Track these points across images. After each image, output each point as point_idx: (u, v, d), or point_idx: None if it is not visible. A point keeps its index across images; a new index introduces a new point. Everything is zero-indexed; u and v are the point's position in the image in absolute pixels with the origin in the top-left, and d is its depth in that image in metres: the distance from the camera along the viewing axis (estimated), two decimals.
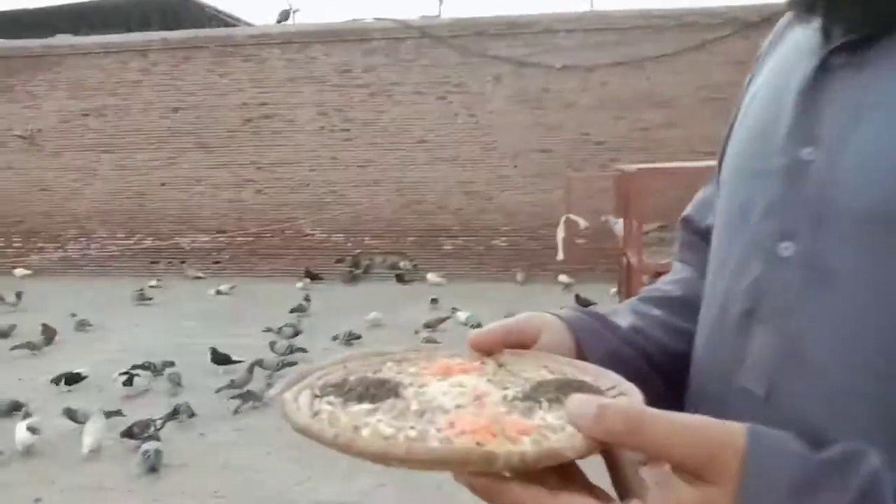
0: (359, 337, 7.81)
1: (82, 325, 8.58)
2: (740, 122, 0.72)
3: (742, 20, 10.53)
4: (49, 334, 7.89)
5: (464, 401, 0.55)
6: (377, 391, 0.57)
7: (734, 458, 0.45)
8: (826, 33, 0.61)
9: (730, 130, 0.75)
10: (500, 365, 0.64)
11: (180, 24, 13.60)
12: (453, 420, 0.51)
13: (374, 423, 0.51)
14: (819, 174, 0.59)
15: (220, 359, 6.80)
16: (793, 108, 0.62)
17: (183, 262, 12.41)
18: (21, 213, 12.96)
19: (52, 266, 12.55)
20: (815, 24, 0.62)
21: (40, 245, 12.99)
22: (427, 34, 11.39)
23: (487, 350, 0.66)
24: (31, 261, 12.65)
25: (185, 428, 5.51)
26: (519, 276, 10.93)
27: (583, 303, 8.80)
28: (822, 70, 0.61)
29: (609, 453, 0.51)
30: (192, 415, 5.67)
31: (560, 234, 5.58)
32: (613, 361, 0.66)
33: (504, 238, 11.44)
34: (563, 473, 0.49)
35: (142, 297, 10.15)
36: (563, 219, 5.67)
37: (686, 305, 0.76)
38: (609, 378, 0.60)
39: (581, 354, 0.67)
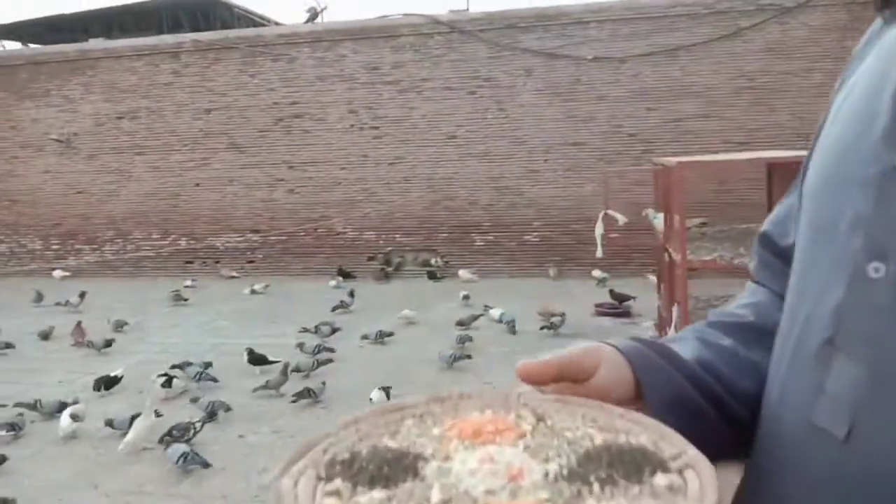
0: (391, 334, 7.78)
1: (119, 327, 8.69)
2: (828, 128, 0.66)
3: (778, 6, 10.27)
4: (79, 336, 8.02)
5: (496, 483, 0.47)
6: (392, 470, 0.48)
7: None
8: None
9: (816, 137, 0.68)
10: (540, 419, 0.56)
11: (210, 26, 13.72)
12: None
13: None
14: None
15: (257, 359, 6.83)
16: (889, 112, 0.56)
17: (217, 262, 12.53)
18: (59, 216, 13.19)
19: (89, 268, 12.75)
20: None
21: (77, 247, 13.21)
22: (456, 29, 11.31)
23: (537, 383, 0.60)
24: (69, 263, 12.87)
25: (223, 429, 5.53)
26: (551, 272, 10.83)
27: (618, 297, 8.68)
28: None
29: None
30: (228, 409, 5.72)
31: (598, 230, 5.48)
32: (676, 406, 0.60)
33: (536, 233, 11.34)
34: None
35: (178, 298, 10.26)
36: (601, 215, 5.57)
37: (760, 334, 0.70)
38: (671, 442, 0.52)
39: (639, 393, 0.61)
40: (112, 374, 6.45)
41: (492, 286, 10.14)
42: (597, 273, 10.12)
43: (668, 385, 0.61)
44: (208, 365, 6.85)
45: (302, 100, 12.02)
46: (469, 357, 6.84)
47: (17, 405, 5.78)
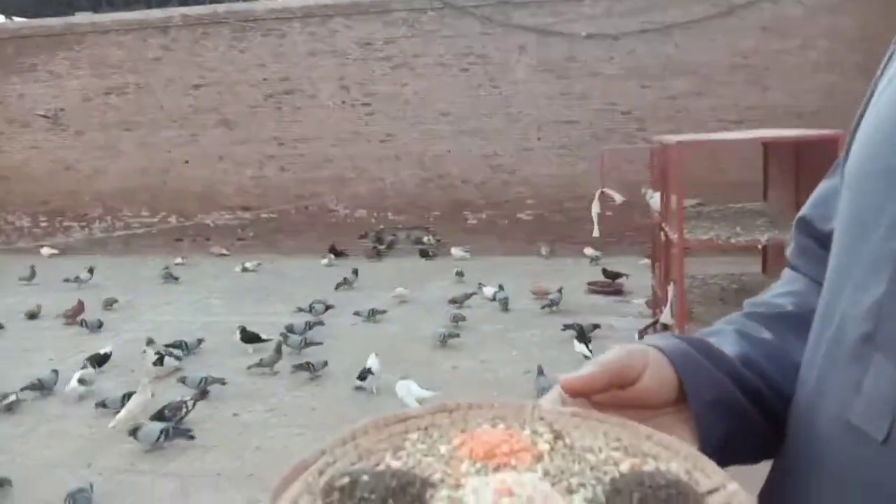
0: (384, 312, 7.77)
1: (109, 305, 8.63)
2: (870, 115, 0.62)
3: None
4: (73, 314, 7.96)
5: None
6: (398, 501, 0.43)
7: None
8: None
9: (857, 122, 0.64)
10: (558, 437, 0.52)
11: (199, 0, 13.48)
12: None
13: None
14: None
15: (250, 338, 6.81)
16: None
17: (208, 240, 12.44)
18: (46, 193, 13.04)
19: (78, 245, 12.65)
20: None
21: (66, 224, 13.09)
22: (449, 4, 11.17)
23: (583, 396, 0.56)
24: (58, 240, 12.75)
25: (216, 408, 5.52)
26: (544, 250, 10.82)
27: (610, 275, 8.70)
28: None
29: None
30: (223, 383, 5.73)
31: (595, 209, 5.44)
32: (719, 407, 0.58)
33: (529, 211, 11.31)
34: None
35: (168, 276, 10.19)
36: (597, 193, 5.53)
37: (800, 325, 0.66)
38: (706, 472, 0.47)
39: (681, 395, 0.58)
40: (102, 352, 6.41)
41: (484, 264, 10.13)
42: (589, 251, 10.13)
43: (711, 386, 0.59)
44: (201, 341, 6.84)
45: (293, 76, 11.88)
46: (459, 336, 6.84)
47: (23, 390, 5.72)
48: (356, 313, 7.73)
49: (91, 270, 10.11)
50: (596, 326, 6.70)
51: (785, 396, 0.63)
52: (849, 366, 0.53)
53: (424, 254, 11.12)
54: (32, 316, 8.29)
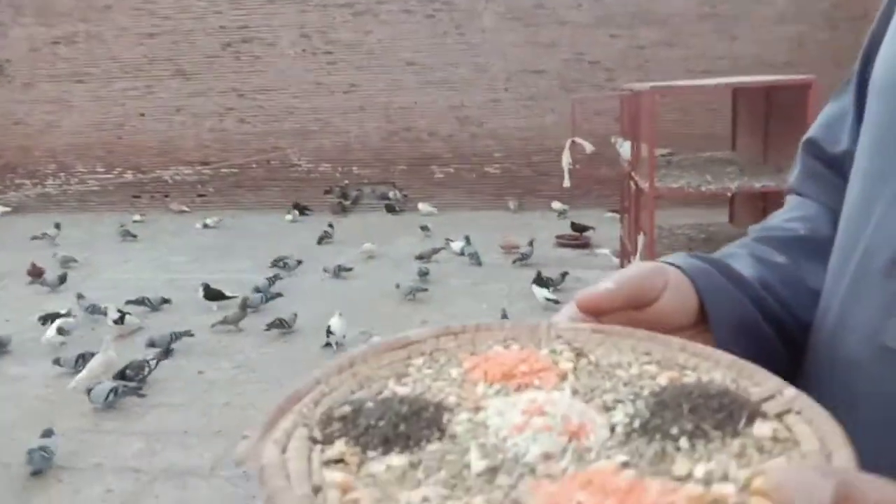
0: (350, 269, 7.65)
1: (67, 263, 8.35)
2: None
3: None
4: (36, 273, 7.68)
5: (553, 443, 0.36)
6: (411, 427, 0.37)
7: None
8: None
9: (876, 34, 0.61)
10: (580, 355, 0.46)
11: None
12: (556, 498, 0.31)
13: None
14: None
15: (213, 295, 6.64)
16: None
17: (166, 196, 12.11)
18: None
19: (32, 203, 12.21)
20: None
21: (18, 181, 12.59)
22: None
23: (601, 314, 0.50)
24: (10, 198, 12.28)
25: (182, 366, 5.39)
26: (511, 204, 10.76)
27: (578, 229, 8.70)
28: None
29: None
30: (191, 334, 5.63)
31: (566, 159, 5.36)
32: (742, 333, 0.55)
33: (497, 165, 11.19)
34: None
35: (126, 233, 9.90)
36: (567, 143, 5.44)
37: (815, 248, 0.64)
38: (755, 379, 0.42)
39: (702, 318, 0.54)
40: (61, 312, 6.20)
41: (452, 219, 10.04)
42: (557, 205, 10.10)
43: (734, 310, 0.55)
44: (166, 301, 6.67)
45: (251, 23, 11.45)
46: (426, 290, 6.77)
47: None
48: (325, 270, 7.61)
49: (58, 226, 9.85)
50: (564, 274, 6.72)
51: (802, 323, 0.60)
52: (880, 290, 0.51)
53: (391, 209, 10.97)
54: None
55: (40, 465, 3.88)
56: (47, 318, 6.04)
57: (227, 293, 6.63)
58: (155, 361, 5.16)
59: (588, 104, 9.10)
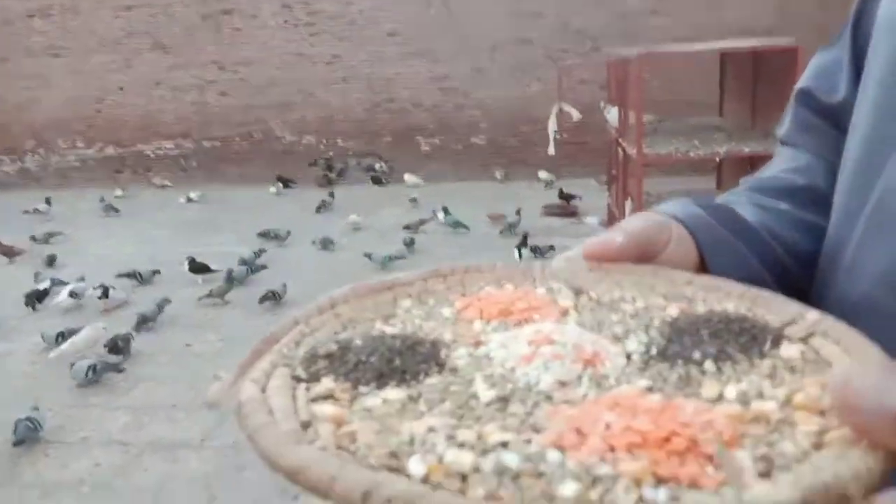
0: (332, 242, 7.58)
1: (47, 239, 8.24)
2: None
3: None
4: (9, 253, 7.56)
5: (568, 371, 0.33)
6: (406, 361, 0.34)
7: None
8: None
9: None
10: (579, 293, 0.43)
11: None
12: (580, 420, 0.28)
13: (431, 440, 0.28)
14: None
15: (198, 268, 6.58)
16: None
17: (148, 171, 11.93)
18: None
19: (11, 179, 12.01)
20: None
21: None
22: None
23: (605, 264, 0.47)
24: None
25: (168, 339, 5.35)
26: (498, 174, 10.70)
27: (565, 197, 8.68)
28: None
29: None
30: (168, 302, 5.58)
31: (552, 126, 5.30)
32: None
33: (482, 136, 11.11)
34: None
35: (109, 208, 9.77)
36: (554, 109, 5.38)
37: (814, 197, 0.63)
38: (772, 307, 0.39)
39: (703, 272, 0.52)
40: (42, 288, 6.12)
41: (439, 190, 9.98)
42: (543, 175, 10.06)
43: (736, 266, 0.53)
44: (156, 272, 6.62)
45: None
46: (405, 258, 6.74)
47: None
48: (313, 243, 7.55)
49: (48, 201, 9.73)
50: (551, 248, 6.71)
51: (808, 270, 0.59)
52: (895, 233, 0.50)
53: (377, 181, 10.88)
54: None
55: (24, 435, 3.85)
56: (32, 298, 5.96)
57: (213, 266, 6.57)
58: (132, 333, 5.08)
59: (574, 72, 9.03)
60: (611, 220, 6.30)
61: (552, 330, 0.36)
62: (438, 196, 9.35)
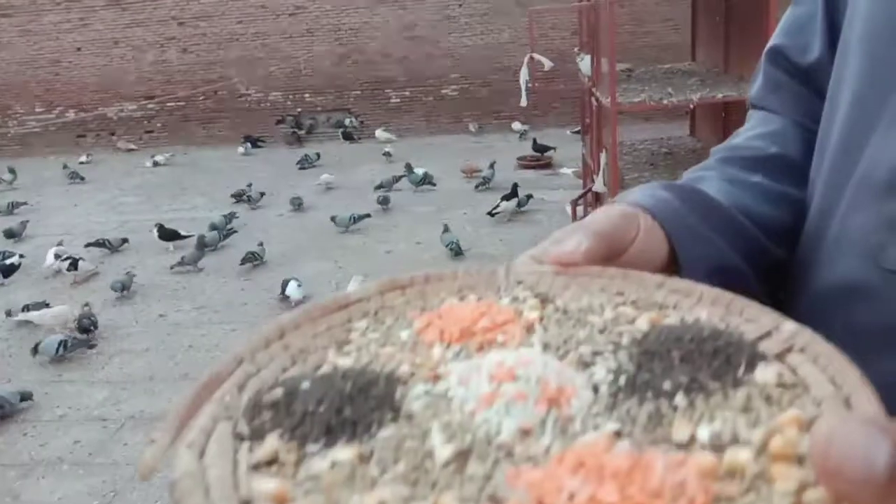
0: (301, 203, 7.42)
1: (13, 209, 8.03)
2: None
3: None
4: None
5: (531, 414, 0.31)
6: (358, 409, 0.32)
7: None
8: None
9: None
10: (546, 301, 0.41)
11: None
12: (542, 489, 0.26)
13: None
14: None
15: (168, 235, 6.45)
16: None
17: (112, 134, 11.62)
18: None
19: None
20: None
21: None
22: None
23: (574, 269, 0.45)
24: None
25: (143, 310, 5.27)
26: (472, 126, 10.57)
27: (539, 149, 8.61)
28: None
29: None
30: (132, 275, 5.49)
31: (523, 76, 5.20)
32: (715, 275, 0.50)
33: (454, 86, 10.93)
34: None
35: (74, 175, 9.52)
36: (525, 59, 5.27)
37: (788, 166, 0.60)
38: (747, 315, 0.37)
39: (672, 260, 0.50)
40: (8, 262, 5.97)
41: (412, 145, 9.86)
42: (517, 126, 9.96)
43: (707, 255, 0.51)
44: (125, 241, 6.48)
45: None
46: (369, 216, 6.65)
47: None
48: (291, 202, 7.42)
49: (13, 171, 9.46)
50: (529, 197, 6.68)
51: (785, 246, 0.57)
52: (881, 207, 0.48)
53: (348, 137, 10.70)
54: None
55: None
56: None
57: (183, 232, 6.44)
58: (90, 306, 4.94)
59: (545, 17, 8.85)
60: (586, 171, 6.25)
61: (515, 361, 0.33)
62: (412, 151, 9.23)
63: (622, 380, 0.33)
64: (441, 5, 10.61)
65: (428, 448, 0.30)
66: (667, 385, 0.32)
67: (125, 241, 6.52)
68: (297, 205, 7.40)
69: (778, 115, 0.65)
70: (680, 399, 0.31)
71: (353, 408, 0.31)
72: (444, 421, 0.31)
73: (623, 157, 5.77)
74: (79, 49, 11.39)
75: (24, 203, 8.18)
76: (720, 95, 4.52)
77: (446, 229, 5.94)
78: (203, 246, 6.01)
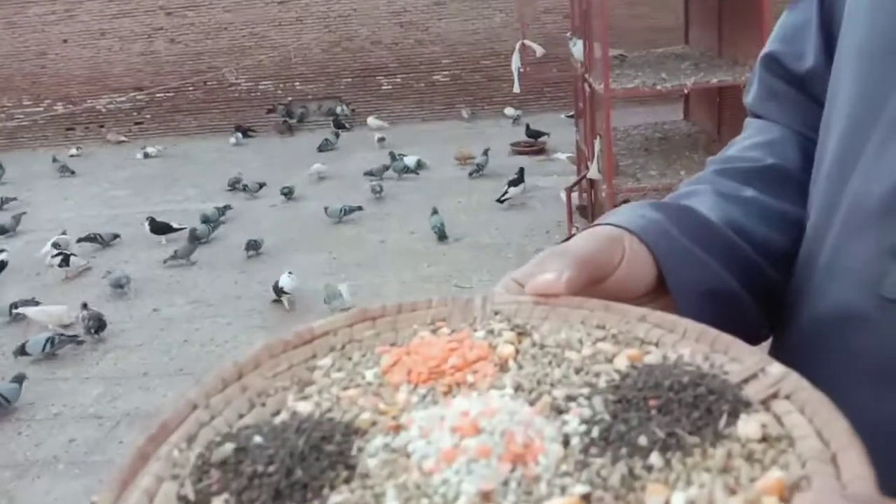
0: (292, 191, 7.35)
1: (2, 204, 7.95)
2: None
3: None
4: None
5: (493, 474, 0.29)
6: (310, 470, 0.31)
7: None
8: None
9: None
10: (522, 334, 0.40)
11: None
12: None
13: None
14: None
15: (160, 228, 6.39)
16: None
17: (102, 127, 11.52)
18: None
19: None
20: None
21: None
22: None
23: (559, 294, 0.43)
24: None
25: (135, 305, 5.23)
26: (464, 113, 10.50)
27: (533, 134, 8.56)
28: None
29: None
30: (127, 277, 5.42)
31: (515, 62, 5.15)
32: (707, 299, 0.49)
33: (446, 72, 10.85)
34: None
35: (64, 169, 9.43)
36: (517, 45, 5.21)
37: (784, 178, 0.58)
38: (731, 353, 0.36)
39: (661, 283, 0.48)
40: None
41: (404, 132, 9.79)
42: (509, 111, 9.90)
43: (698, 279, 0.49)
44: (116, 235, 6.43)
45: None
46: (360, 208, 6.58)
47: None
48: (282, 192, 7.36)
49: (1, 166, 9.37)
50: (521, 181, 6.67)
51: (779, 259, 0.55)
52: (878, 228, 0.46)
53: (340, 125, 10.61)
54: None
55: None
56: None
57: (175, 225, 6.38)
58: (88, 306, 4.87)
59: (535, 2, 8.77)
60: (580, 157, 6.21)
61: (481, 410, 0.32)
62: (404, 138, 9.17)
63: (595, 431, 0.32)
64: None
65: None
66: (642, 440, 0.30)
67: (117, 236, 6.47)
68: (288, 195, 7.33)
69: (776, 123, 0.64)
70: (655, 458, 0.30)
71: (304, 468, 0.30)
72: (400, 482, 0.30)
73: (617, 142, 5.73)
74: (65, 41, 11.27)
75: (14, 198, 8.11)
76: (714, 80, 4.48)
77: (435, 212, 5.96)
78: (195, 239, 5.97)
